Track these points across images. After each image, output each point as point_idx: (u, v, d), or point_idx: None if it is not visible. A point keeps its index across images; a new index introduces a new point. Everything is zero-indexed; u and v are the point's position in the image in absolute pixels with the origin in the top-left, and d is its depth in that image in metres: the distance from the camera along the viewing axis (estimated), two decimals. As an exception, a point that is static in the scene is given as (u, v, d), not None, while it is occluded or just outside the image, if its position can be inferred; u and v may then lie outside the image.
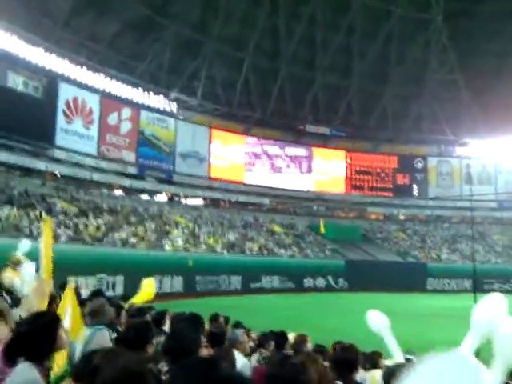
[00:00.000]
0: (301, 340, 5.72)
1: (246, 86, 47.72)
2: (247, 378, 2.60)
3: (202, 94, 45.53)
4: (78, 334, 4.19)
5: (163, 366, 3.18)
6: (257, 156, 50.30)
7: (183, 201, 43.85)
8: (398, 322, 5.20)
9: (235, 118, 48.48)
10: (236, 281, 32.35)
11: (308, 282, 36.56)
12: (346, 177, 53.86)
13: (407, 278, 37.50)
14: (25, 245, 8.51)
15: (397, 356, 4.95)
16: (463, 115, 50.96)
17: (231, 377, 1.50)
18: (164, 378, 3.04)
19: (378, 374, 4.80)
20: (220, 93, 46.61)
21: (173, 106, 43.38)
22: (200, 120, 46.59)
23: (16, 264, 7.11)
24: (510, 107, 46.33)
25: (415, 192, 54.74)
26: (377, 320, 5.13)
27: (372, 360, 5.79)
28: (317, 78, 49.33)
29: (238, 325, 7.55)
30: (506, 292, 37.21)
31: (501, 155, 53.18)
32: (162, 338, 4.30)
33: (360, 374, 4.48)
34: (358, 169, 54.07)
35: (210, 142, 46.67)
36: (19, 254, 7.87)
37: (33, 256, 7.62)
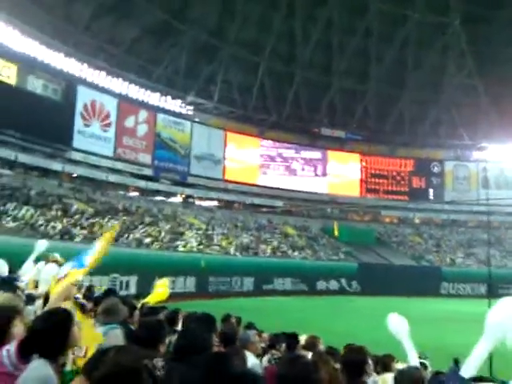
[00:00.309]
0: (312, 342, 5.75)
1: (262, 90, 47.86)
2: (259, 375, 2.63)
3: (218, 97, 45.83)
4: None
5: (158, 362, 3.18)
6: (272, 158, 50.38)
7: (197, 202, 44.09)
8: (411, 326, 5.20)
9: (250, 121, 48.64)
10: (248, 282, 32.40)
11: (321, 284, 36.44)
12: (361, 180, 53.65)
13: (421, 282, 37.17)
14: (42, 245, 8.65)
15: (413, 360, 4.94)
16: (480, 120, 50.47)
17: (243, 373, 1.49)
18: (159, 373, 3.05)
19: (389, 377, 4.79)
20: (236, 97, 46.84)
21: (189, 109, 43.71)
22: (215, 123, 46.83)
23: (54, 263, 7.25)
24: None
25: (431, 196, 54.30)
26: (397, 323, 5.14)
27: (384, 363, 5.78)
28: (333, 83, 49.26)
29: (249, 326, 7.59)
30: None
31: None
32: (174, 337, 4.34)
33: (372, 378, 4.49)
34: (373, 172, 53.82)
35: (225, 145, 46.90)
36: (56, 254, 8.03)
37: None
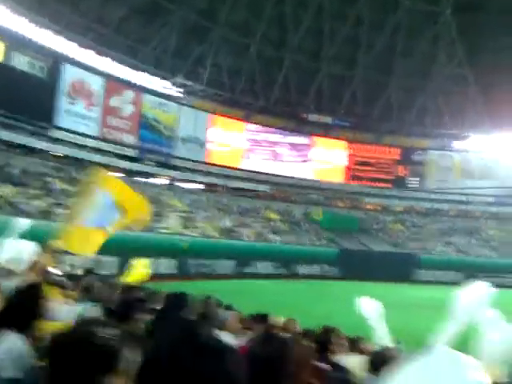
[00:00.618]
0: (289, 323, 5.90)
1: (251, 74, 47.61)
2: (232, 347, 2.68)
3: (207, 80, 45.49)
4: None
5: (109, 330, 3.25)
6: (257, 143, 50.38)
7: (181, 185, 44.00)
8: (387, 311, 5.37)
9: (238, 105, 48.48)
10: (229, 265, 32.62)
11: (302, 268, 36.84)
12: (346, 167, 53.95)
13: (399, 268, 37.89)
14: (21, 223, 8.56)
15: (384, 342, 5.05)
16: (467, 109, 50.88)
17: (215, 341, 1.33)
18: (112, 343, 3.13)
19: (359, 358, 4.95)
20: (225, 80, 46.58)
21: (176, 91, 43.39)
22: (202, 105, 46.55)
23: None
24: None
25: (414, 184, 54.85)
26: (369, 307, 5.26)
27: (355, 344, 5.96)
28: (322, 68, 49.21)
29: (228, 307, 7.72)
30: (498, 286, 37.47)
31: (502, 150, 53.16)
32: (152, 316, 4.43)
33: (344, 358, 4.62)
34: (358, 159, 54.12)
35: (210, 128, 46.74)
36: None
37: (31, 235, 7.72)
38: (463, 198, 52.86)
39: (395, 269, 37.19)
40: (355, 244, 43.07)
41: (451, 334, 3.49)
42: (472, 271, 36.45)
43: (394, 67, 49.52)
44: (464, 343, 3.46)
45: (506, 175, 52.93)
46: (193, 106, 45.57)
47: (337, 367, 3.63)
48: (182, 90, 43.86)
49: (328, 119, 53.25)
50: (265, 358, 1.96)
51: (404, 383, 0.96)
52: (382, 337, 5.16)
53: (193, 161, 44.43)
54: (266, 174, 48.90)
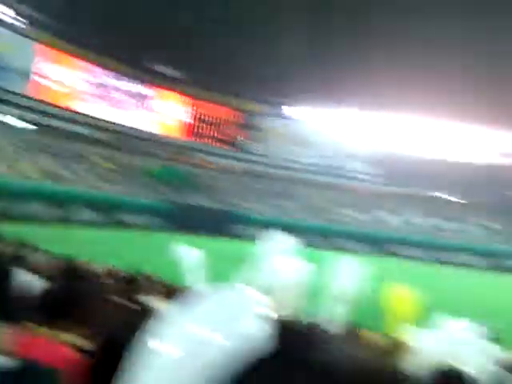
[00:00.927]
0: (92, 265, 5.67)
1: (96, 11, 44.00)
2: None
3: (39, 6, 40.84)
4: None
5: None
6: (96, 86, 47.27)
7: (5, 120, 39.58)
8: (212, 264, 5.43)
9: (78, 42, 44.57)
10: (52, 210, 30.59)
11: (129, 218, 36.21)
12: (188, 123, 53.73)
13: (227, 224, 40.00)
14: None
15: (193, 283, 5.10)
16: (302, 78, 53.70)
17: None
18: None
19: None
20: (66, 11, 42.29)
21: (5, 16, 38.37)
22: (31, 34, 41.79)
23: None
24: (345, 78, 50.38)
25: (251, 147, 56.98)
26: (188, 256, 5.27)
27: (171, 291, 5.97)
28: (172, 19, 47.54)
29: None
30: (310, 246, 40.93)
31: (330, 122, 57.71)
32: None
33: (153, 300, 4.56)
34: (201, 117, 54.24)
35: (40, 61, 42.40)
36: None
37: None
38: (293, 165, 56.61)
39: (224, 225, 38.97)
40: (189, 200, 43.52)
41: (251, 281, 3.73)
42: (291, 231, 39.34)
43: (243, 31, 50.02)
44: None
45: (332, 147, 58.00)
46: (23, 35, 40.78)
47: (143, 306, 3.61)
48: (12, 15, 38.92)
49: (174, 73, 52.12)
50: (64, 291, 2.12)
51: (189, 319, 0.96)
52: (198, 283, 5.24)
53: (17, 95, 40.12)
54: (102, 120, 46.38)
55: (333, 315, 3.75)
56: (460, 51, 51.50)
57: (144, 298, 3.92)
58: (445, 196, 57.59)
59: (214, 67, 51.79)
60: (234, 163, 55.10)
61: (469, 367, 3.05)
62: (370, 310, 6.65)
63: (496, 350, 3.48)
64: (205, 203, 44.14)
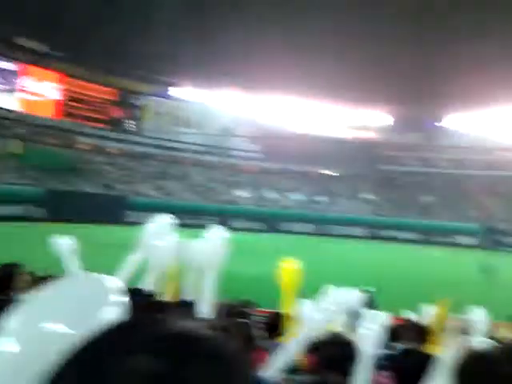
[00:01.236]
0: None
1: None
2: None
3: None
4: None
5: None
6: None
7: None
8: (98, 251, 5.04)
9: None
10: None
11: None
12: (58, 102, 50.17)
13: (109, 210, 37.91)
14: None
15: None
16: (184, 58, 52.88)
17: None
18: None
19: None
20: None
21: None
22: None
23: None
24: (226, 57, 50.53)
25: (129, 127, 54.94)
26: (62, 245, 4.94)
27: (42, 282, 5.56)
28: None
29: None
30: (197, 227, 41.14)
31: (213, 100, 57.55)
32: None
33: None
34: (72, 95, 50.91)
35: None
36: None
37: None
38: (175, 145, 55.69)
39: (106, 211, 37.01)
40: (64, 183, 40.94)
41: (133, 264, 3.71)
42: (178, 214, 38.92)
43: (121, 5, 47.65)
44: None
45: (213, 126, 58.01)
46: None
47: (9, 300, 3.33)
48: None
49: (42, 47, 48.09)
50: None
51: (35, 310, 0.95)
52: (73, 273, 4.93)
53: None
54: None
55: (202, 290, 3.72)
56: (328, 37, 54.22)
57: (15, 292, 3.62)
58: (322, 171, 60.67)
59: (87, 42, 48.73)
60: (112, 144, 52.78)
61: (354, 334, 3.23)
62: (266, 287, 6.71)
63: (379, 315, 3.68)
64: (80, 188, 41.87)
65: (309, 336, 2.89)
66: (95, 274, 1.10)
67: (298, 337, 2.84)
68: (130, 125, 55.12)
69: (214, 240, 3.90)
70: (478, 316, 4.99)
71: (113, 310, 0.92)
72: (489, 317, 5.07)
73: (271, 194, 53.89)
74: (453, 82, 51.71)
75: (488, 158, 56.69)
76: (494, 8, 52.65)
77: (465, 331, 2.60)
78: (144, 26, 50.32)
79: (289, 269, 5.39)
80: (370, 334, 3.11)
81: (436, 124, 60.01)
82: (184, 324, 0.62)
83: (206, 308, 3.64)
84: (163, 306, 3.17)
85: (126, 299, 0.98)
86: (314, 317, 2.97)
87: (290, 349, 2.82)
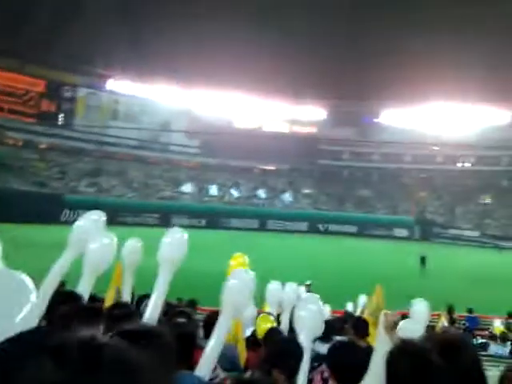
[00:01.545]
0: None
1: None
2: None
3: None
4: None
5: None
6: None
7: None
8: (32, 253, 4.61)
9: None
10: None
11: None
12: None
13: (43, 209, 36.12)
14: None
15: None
16: (117, 50, 51.27)
17: None
18: None
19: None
20: None
21: None
22: None
23: None
24: (161, 51, 49.58)
25: (61, 121, 52.66)
26: None
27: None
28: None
29: None
30: (137, 224, 40.14)
31: (150, 94, 56.16)
32: None
33: None
34: (-1, 88, 48.19)
35: None
36: None
37: None
38: (110, 140, 53.89)
39: (38, 210, 35.19)
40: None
41: (67, 261, 3.60)
42: (116, 211, 37.89)
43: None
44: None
45: (150, 121, 56.70)
46: None
47: None
48: None
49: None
50: None
51: None
52: None
53: None
54: None
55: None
56: (265, 32, 54.53)
57: None
58: (262, 166, 60.90)
59: (15, 33, 46.15)
60: (43, 139, 50.35)
61: (300, 325, 3.29)
62: (210, 283, 6.52)
63: (314, 298, 3.78)
64: (10, 185, 39.74)
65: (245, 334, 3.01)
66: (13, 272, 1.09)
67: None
68: (61, 118, 52.78)
69: (172, 241, 3.71)
70: (418, 307, 5.06)
71: (27, 308, 0.92)
72: (427, 307, 5.15)
73: (211, 190, 53.51)
74: (388, 77, 53.33)
75: (422, 152, 58.98)
76: (427, 4, 54.81)
77: (398, 324, 2.59)
78: (75, 16, 48.26)
79: (237, 264, 5.26)
80: (306, 316, 3.26)
81: (372, 119, 61.70)
82: (91, 333, 0.62)
83: (153, 310, 3.43)
84: (99, 311, 2.88)
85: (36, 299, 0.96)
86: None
87: (218, 347, 2.79)
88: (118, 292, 4.85)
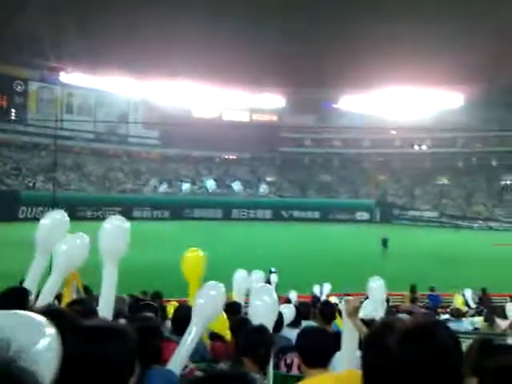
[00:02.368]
0: None
1: None
2: None
3: None
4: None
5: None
6: None
7: None
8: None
9: None
10: None
11: None
12: None
13: (0, 206, 35.01)
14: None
15: None
16: (68, 42, 49.72)
17: None
18: None
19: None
20: None
21: None
22: None
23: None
24: (114, 42, 48.48)
25: (13, 116, 50.82)
26: None
27: None
28: None
29: None
30: (97, 218, 39.39)
31: (105, 86, 54.76)
32: None
33: None
34: None
35: None
36: None
37: None
38: (65, 133, 52.26)
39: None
40: None
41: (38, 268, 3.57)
42: (74, 206, 37.06)
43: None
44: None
45: (106, 113, 55.37)
46: None
47: None
48: None
49: None
50: None
51: None
52: None
53: None
54: None
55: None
56: (222, 21, 54.10)
57: None
58: (223, 155, 60.60)
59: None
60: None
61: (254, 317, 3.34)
62: (174, 275, 6.42)
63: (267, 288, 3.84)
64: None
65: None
66: None
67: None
68: (13, 113, 50.85)
69: (113, 230, 3.52)
70: (374, 284, 5.15)
71: None
72: (383, 285, 5.26)
73: (173, 181, 52.91)
74: (346, 63, 53.78)
75: (381, 137, 59.92)
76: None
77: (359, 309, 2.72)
78: (22, 8, 46.38)
79: (192, 257, 5.20)
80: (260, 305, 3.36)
81: (331, 105, 62.14)
82: None
83: (106, 304, 3.32)
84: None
85: None
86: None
87: (190, 339, 2.88)
88: (77, 289, 4.68)
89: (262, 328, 2.84)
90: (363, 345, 1.11)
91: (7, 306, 2.70)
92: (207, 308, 3.08)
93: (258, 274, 6.15)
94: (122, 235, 3.49)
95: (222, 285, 3.32)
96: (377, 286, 5.17)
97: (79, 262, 3.82)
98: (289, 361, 3.66)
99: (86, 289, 5.51)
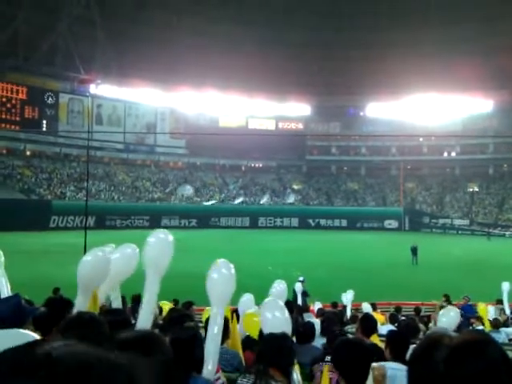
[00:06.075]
0: None
1: None
2: None
3: None
4: None
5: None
6: None
7: None
8: (25, 259, 4.49)
9: None
10: None
11: None
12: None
13: (30, 216, 35.69)
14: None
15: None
16: (98, 54, 50.85)
17: None
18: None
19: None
20: None
21: None
22: None
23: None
24: (142, 54, 49.34)
25: (44, 127, 52.01)
26: None
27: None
28: None
29: None
30: (127, 227, 39.89)
31: (133, 97, 55.59)
32: None
33: None
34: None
35: None
36: None
37: None
38: (95, 144, 53.27)
39: (26, 217, 34.77)
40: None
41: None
42: (104, 215, 37.67)
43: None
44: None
45: (134, 123, 56.27)
46: None
47: None
48: None
49: None
50: None
51: None
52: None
53: None
54: None
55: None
56: (248, 32, 54.34)
57: None
58: (250, 163, 60.79)
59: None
60: (27, 146, 49.68)
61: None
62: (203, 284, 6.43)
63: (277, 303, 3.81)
64: (2, 194, 39.19)
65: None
66: None
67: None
68: (44, 124, 52.05)
69: (159, 244, 3.52)
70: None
71: None
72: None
73: (200, 190, 53.29)
74: (372, 70, 53.47)
75: (408, 143, 59.13)
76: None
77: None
78: (55, 21, 47.66)
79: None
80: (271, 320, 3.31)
81: (357, 112, 61.72)
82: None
83: (147, 315, 3.34)
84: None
85: None
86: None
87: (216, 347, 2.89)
88: (107, 298, 4.66)
89: (284, 336, 2.81)
90: (409, 360, 1.08)
91: (51, 315, 2.75)
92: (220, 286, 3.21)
93: (281, 285, 5.78)
94: (167, 248, 3.48)
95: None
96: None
97: (102, 279, 3.57)
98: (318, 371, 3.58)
99: (123, 299, 5.51)
